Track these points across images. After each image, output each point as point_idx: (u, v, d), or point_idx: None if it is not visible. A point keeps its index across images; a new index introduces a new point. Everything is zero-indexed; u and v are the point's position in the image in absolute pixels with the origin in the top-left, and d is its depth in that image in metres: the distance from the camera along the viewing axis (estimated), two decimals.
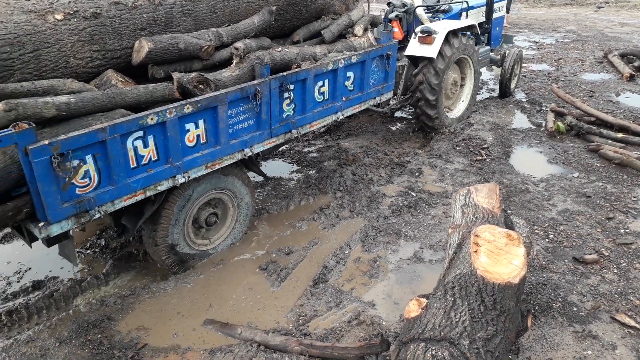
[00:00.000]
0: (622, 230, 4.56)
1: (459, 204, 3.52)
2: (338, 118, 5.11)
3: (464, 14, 7.10)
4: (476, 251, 2.86)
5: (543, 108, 7.78)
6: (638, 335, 3.34)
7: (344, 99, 5.05)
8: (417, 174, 5.78)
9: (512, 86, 8.23)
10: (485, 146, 6.43)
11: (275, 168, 6.08)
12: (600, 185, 5.38)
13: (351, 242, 4.54)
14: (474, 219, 3.28)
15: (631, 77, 9.10)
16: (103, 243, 4.64)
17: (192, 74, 3.72)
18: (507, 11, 8.50)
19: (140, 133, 3.42)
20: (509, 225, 3.39)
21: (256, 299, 3.88)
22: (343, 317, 3.61)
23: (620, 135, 6.48)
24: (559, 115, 7.24)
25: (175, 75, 3.70)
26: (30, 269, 4.32)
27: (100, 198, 3.33)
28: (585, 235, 4.50)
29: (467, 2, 6.98)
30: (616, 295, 3.72)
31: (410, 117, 7.49)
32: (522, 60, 8.41)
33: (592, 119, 6.97)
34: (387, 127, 7.15)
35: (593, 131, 6.64)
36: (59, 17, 3.44)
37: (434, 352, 2.49)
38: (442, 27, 6.17)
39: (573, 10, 16.77)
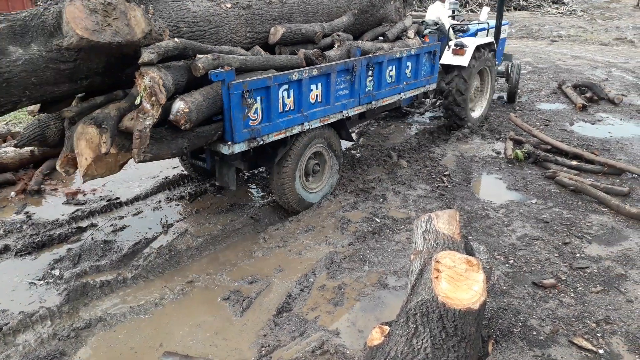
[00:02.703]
0: (578, 255, 4.71)
1: (421, 230, 3.56)
2: (400, 98, 6.61)
3: (479, 33, 8.57)
4: (437, 277, 2.88)
5: (502, 136, 8.05)
6: (595, 359, 3.41)
7: (404, 83, 6.50)
8: (381, 200, 5.84)
9: (517, 93, 9.87)
10: (446, 173, 6.57)
11: (243, 194, 6.03)
12: (557, 211, 5.56)
13: (316, 270, 4.51)
14: (435, 245, 3.32)
15: (584, 107, 9.55)
16: (57, 273, 4.45)
17: (314, 50, 5.22)
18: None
19: (286, 86, 4.72)
20: (469, 251, 3.44)
21: (218, 330, 3.78)
22: (307, 346, 3.55)
23: (574, 162, 6.75)
24: (517, 143, 7.50)
25: (301, 51, 5.16)
26: None
27: (263, 130, 4.60)
28: (543, 260, 4.62)
29: (487, 23, 8.71)
30: (573, 319, 3.80)
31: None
32: (520, 73, 10.06)
33: (549, 147, 7.25)
34: (352, 154, 7.23)
35: (549, 159, 6.90)
36: (228, 5, 4.88)
37: None
38: (471, 42, 7.57)
39: (529, 43, 17.59)
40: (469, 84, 7.65)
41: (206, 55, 4.11)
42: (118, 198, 5.88)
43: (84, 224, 5.32)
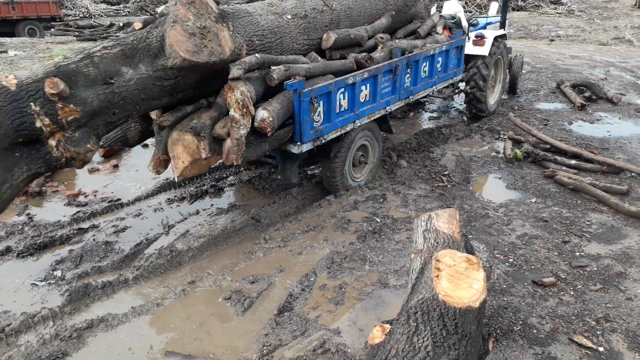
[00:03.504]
0: (577, 253, 4.73)
1: (421, 229, 3.58)
2: (433, 91, 7.40)
3: (487, 27, 9.34)
4: (437, 276, 2.89)
5: (501, 136, 8.07)
6: (595, 356, 3.43)
7: (436, 77, 7.13)
8: (381, 200, 5.86)
9: (518, 84, 10.57)
10: (446, 172, 6.59)
11: (243, 194, 6.05)
12: (556, 210, 5.58)
13: (317, 269, 4.53)
14: (435, 244, 3.34)
15: (582, 107, 9.58)
16: (59, 274, 4.47)
17: (363, 54, 5.74)
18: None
19: (343, 89, 5.28)
20: (469, 250, 3.46)
21: (219, 329, 3.80)
22: (308, 345, 3.57)
23: (573, 161, 6.77)
24: (517, 142, 7.52)
25: (352, 55, 5.70)
26: None
27: (325, 130, 5.21)
28: (543, 259, 4.64)
29: (501, 17, 9.37)
30: (573, 317, 3.82)
31: None
32: (523, 64, 10.80)
33: (547, 146, 7.28)
34: None
35: (548, 158, 6.93)
36: (289, 17, 5.34)
37: None
38: (489, 34, 8.32)
39: (528, 44, 17.61)
40: (490, 72, 8.38)
41: (278, 66, 4.69)
42: (119, 199, 5.90)
43: (85, 225, 5.34)
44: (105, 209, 5.66)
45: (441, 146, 7.59)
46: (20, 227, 5.29)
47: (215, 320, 3.91)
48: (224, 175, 6.60)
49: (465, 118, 9.10)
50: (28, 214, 5.58)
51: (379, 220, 5.39)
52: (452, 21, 8.70)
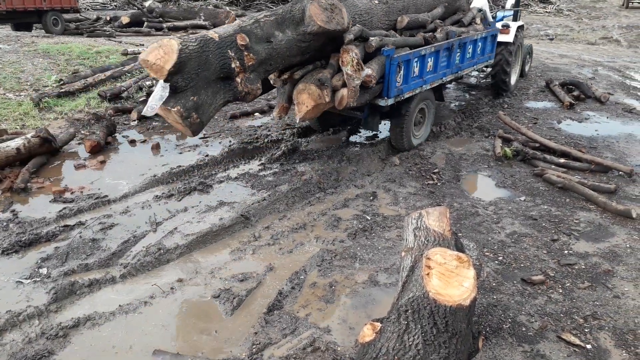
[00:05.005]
0: (566, 252, 4.76)
1: (411, 227, 3.57)
2: (474, 69, 9.03)
3: (505, 19, 10.59)
4: (428, 274, 2.89)
5: (491, 134, 8.10)
6: (583, 354, 3.46)
7: (477, 58, 8.68)
8: (371, 198, 5.85)
9: (527, 69, 11.97)
10: (436, 170, 6.60)
11: (232, 191, 6.00)
12: (545, 208, 5.62)
13: (307, 267, 4.51)
14: (425, 242, 3.33)
15: (571, 106, 9.65)
16: (45, 272, 4.39)
17: (429, 33, 7.30)
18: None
19: (417, 59, 6.78)
20: (460, 248, 3.46)
21: (208, 328, 3.76)
22: (298, 344, 3.55)
23: (562, 160, 6.82)
24: (506, 141, 7.56)
25: (420, 33, 7.21)
26: None
27: (403, 90, 6.68)
28: (532, 257, 4.66)
29: (514, 11, 10.97)
30: (562, 315, 3.84)
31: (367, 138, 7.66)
32: (532, 52, 12.24)
33: (537, 144, 7.32)
34: (342, 151, 7.22)
35: (537, 156, 6.96)
36: (376, 1, 6.80)
37: None
38: (512, 24, 9.89)
39: None
40: (513, 57, 9.83)
41: (375, 37, 6.17)
42: (106, 196, 5.82)
43: (71, 222, 5.25)
44: (91, 205, 5.58)
45: (431, 144, 7.60)
46: (4, 223, 5.19)
47: (204, 318, 3.87)
48: (213, 172, 6.55)
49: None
50: (13, 211, 5.48)
51: (369, 218, 5.38)
52: (480, 13, 9.76)
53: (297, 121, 6.12)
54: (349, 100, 5.76)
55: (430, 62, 7.15)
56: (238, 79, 5.14)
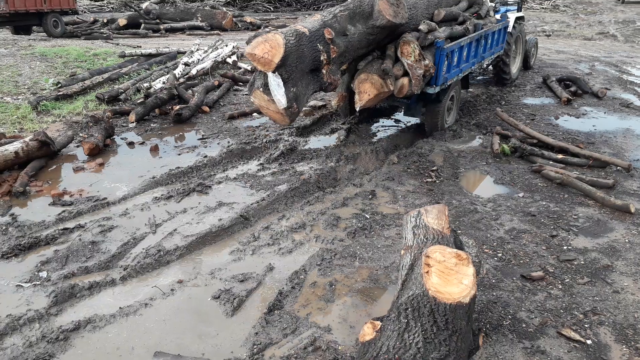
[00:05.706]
0: (565, 247, 4.77)
1: (410, 225, 3.58)
2: (490, 58, 9.68)
3: (507, 12, 10.94)
4: (427, 272, 2.89)
5: (489, 131, 8.10)
6: (583, 349, 3.47)
7: (493, 48, 9.19)
8: (370, 197, 5.85)
9: (532, 62, 12.46)
10: (434, 168, 6.61)
11: (230, 191, 6.00)
12: (544, 205, 5.63)
13: (307, 267, 4.51)
14: (424, 240, 3.34)
15: (568, 101, 9.66)
16: (45, 275, 4.39)
17: (462, 25, 7.81)
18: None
19: (458, 50, 7.36)
20: (459, 246, 3.47)
21: (209, 329, 3.77)
22: (299, 343, 3.56)
23: (560, 156, 6.83)
24: (504, 137, 7.56)
25: (456, 26, 7.65)
26: None
27: (447, 78, 7.23)
28: (531, 253, 4.67)
29: (517, 2, 11.62)
30: (561, 311, 3.85)
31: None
32: (537, 45, 12.77)
33: (534, 141, 7.33)
34: (340, 150, 7.23)
35: (535, 153, 6.97)
36: None
37: None
38: (512, 16, 10.42)
39: None
40: (511, 46, 10.42)
41: (434, 30, 6.80)
42: (105, 198, 5.82)
43: (71, 225, 5.25)
44: (91, 208, 5.58)
45: (429, 142, 7.61)
46: (4, 227, 5.19)
47: (205, 319, 3.88)
48: (212, 173, 6.55)
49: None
50: (12, 214, 5.48)
51: (368, 217, 5.39)
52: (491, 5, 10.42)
53: (357, 109, 6.51)
54: (414, 88, 6.32)
55: (465, 53, 7.72)
56: (324, 70, 5.64)
